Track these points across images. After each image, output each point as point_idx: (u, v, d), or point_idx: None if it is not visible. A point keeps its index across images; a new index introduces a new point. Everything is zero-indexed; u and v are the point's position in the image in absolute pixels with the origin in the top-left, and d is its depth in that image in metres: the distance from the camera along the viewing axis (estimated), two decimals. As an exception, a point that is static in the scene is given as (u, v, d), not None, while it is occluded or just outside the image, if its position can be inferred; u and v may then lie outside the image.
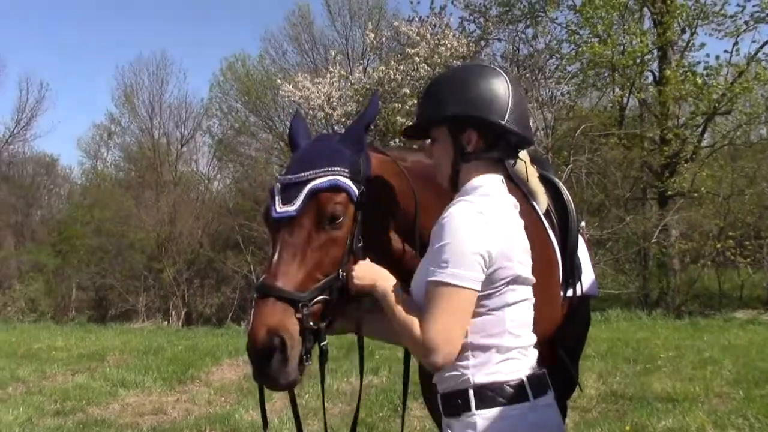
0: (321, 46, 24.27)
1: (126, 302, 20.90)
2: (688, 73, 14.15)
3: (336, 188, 1.85)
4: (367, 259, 1.88)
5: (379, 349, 8.42)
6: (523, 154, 2.52)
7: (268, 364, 1.71)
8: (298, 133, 2.08)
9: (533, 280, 1.79)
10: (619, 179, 15.15)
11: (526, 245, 1.78)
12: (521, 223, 1.81)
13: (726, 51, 14.11)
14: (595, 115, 15.42)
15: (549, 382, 1.79)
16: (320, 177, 1.84)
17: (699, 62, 14.33)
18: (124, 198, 23.93)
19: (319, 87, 16.35)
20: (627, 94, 15.30)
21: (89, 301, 22.68)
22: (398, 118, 14.45)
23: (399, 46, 16.44)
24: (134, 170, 27.66)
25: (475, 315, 1.68)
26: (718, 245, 13.43)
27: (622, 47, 14.21)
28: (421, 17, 15.94)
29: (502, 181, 1.88)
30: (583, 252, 2.65)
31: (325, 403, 2.03)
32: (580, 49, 14.73)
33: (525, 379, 1.70)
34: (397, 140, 14.22)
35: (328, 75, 16.97)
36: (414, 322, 1.67)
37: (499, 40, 16.41)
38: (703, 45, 14.60)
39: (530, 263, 1.78)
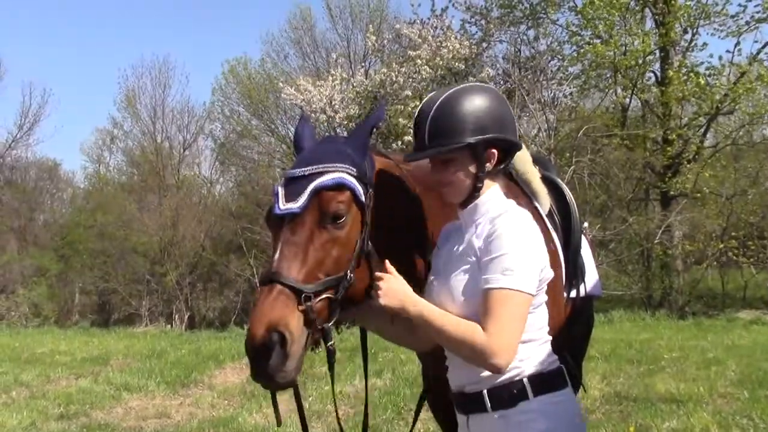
0: (322, 48, 24.25)
1: (129, 306, 20.93)
2: (691, 74, 14.15)
3: (341, 186, 1.83)
4: (393, 271, 1.86)
5: (383, 352, 8.42)
6: (527, 155, 2.52)
7: (266, 362, 1.67)
8: (304, 136, 2.06)
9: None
10: (622, 180, 15.13)
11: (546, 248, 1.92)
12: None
13: (728, 51, 14.14)
14: (597, 116, 15.42)
15: None
16: (326, 173, 1.83)
17: (701, 62, 14.38)
18: (126, 202, 23.97)
19: (321, 90, 16.34)
20: (629, 95, 15.30)
21: (92, 306, 22.73)
22: (400, 120, 14.45)
23: (400, 48, 16.43)
24: (137, 174, 27.67)
25: None
26: (721, 245, 13.42)
27: (624, 48, 14.22)
28: (422, 19, 15.95)
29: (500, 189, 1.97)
30: (586, 253, 2.65)
31: (328, 406, 2.03)
32: (581, 50, 14.74)
33: (563, 367, 1.92)
34: (399, 143, 14.23)
35: (330, 78, 16.97)
36: (474, 329, 1.74)
37: (501, 41, 16.46)
38: (705, 45, 14.66)
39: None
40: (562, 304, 2.41)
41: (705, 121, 14.70)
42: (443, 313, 1.80)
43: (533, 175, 2.48)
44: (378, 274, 1.85)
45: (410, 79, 14.99)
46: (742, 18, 13.78)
